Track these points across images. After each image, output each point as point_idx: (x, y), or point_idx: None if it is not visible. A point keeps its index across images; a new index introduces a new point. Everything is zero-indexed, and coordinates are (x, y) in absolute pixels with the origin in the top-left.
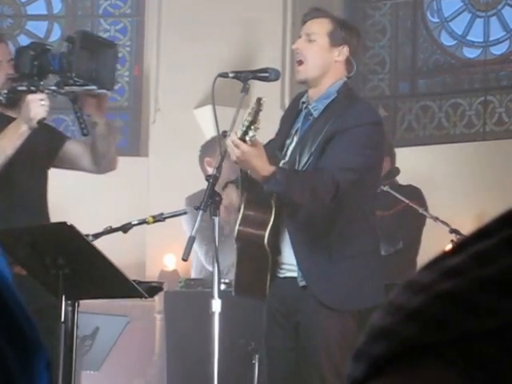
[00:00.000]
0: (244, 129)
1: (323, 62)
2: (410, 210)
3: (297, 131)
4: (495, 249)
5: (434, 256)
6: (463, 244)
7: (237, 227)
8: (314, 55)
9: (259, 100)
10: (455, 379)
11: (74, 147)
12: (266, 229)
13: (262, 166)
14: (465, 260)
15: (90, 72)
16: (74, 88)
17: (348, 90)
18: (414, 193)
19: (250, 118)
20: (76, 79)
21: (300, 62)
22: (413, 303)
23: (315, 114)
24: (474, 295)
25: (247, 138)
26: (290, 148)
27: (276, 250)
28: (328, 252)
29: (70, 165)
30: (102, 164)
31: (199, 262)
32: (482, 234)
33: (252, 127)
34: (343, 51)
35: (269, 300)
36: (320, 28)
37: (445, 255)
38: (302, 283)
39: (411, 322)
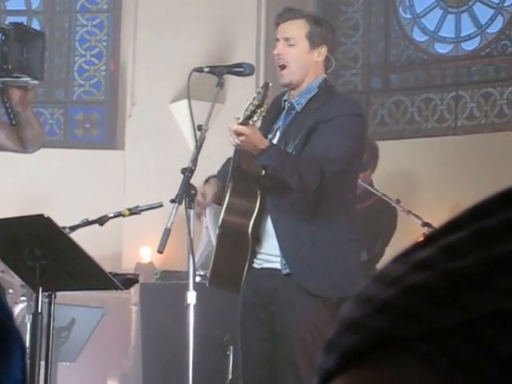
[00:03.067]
0: (248, 113)
1: (305, 64)
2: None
3: (279, 127)
4: (465, 242)
5: (404, 248)
6: (434, 236)
7: (222, 215)
8: (295, 59)
9: (267, 85)
10: (426, 372)
11: None
12: (250, 218)
13: (261, 141)
14: (435, 253)
15: (21, 63)
16: (7, 79)
17: (328, 86)
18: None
19: (256, 102)
20: (12, 70)
21: (282, 67)
22: (383, 296)
23: (298, 108)
24: (443, 288)
25: (250, 123)
26: (273, 142)
27: (255, 240)
28: (312, 239)
29: None
30: (29, 146)
31: (208, 246)
32: (452, 226)
33: (258, 111)
34: (322, 51)
35: (244, 291)
36: (298, 31)
37: (415, 247)
38: (286, 271)
39: (382, 314)
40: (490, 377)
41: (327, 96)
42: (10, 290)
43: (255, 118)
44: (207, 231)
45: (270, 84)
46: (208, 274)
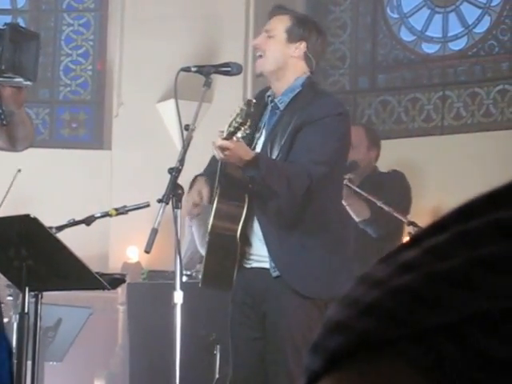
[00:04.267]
0: (232, 129)
1: (279, 56)
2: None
3: (265, 125)
4: (450, 243)
5: (390, 249)
6: (419, 237)
7: (211, 221)
8: (271, 49)
9: (250, 102)
10: (412, 374)
11: None
12: (239, 222)
13: (246, 153)
14: (420, 254)
15: (14, 63)
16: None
17: (312, 84)
18: (390, 180)
19: (240, 120)
20: (4, 71)
21: (259, 57)
22: (368, 298)
23: (281, 106)
24: (428, 290)
25: (234, 139)
26: (260, 142)
27: (245, 241)
28: (300, 241)
29: None
30: (19, 145)
31: (191, 245)
32: (437, 227)
33: (242, 128)
34: (300, 47)
35: (234, 290)
36: (279, 24)
37: (401, 249)
38: (276, 274)
39: (367, 316)
40: (475, 378)
41: (311, 94)
42: None
43: (239, 135)
44: (190, 230)
45: (254, 101)
46: (201, 277)
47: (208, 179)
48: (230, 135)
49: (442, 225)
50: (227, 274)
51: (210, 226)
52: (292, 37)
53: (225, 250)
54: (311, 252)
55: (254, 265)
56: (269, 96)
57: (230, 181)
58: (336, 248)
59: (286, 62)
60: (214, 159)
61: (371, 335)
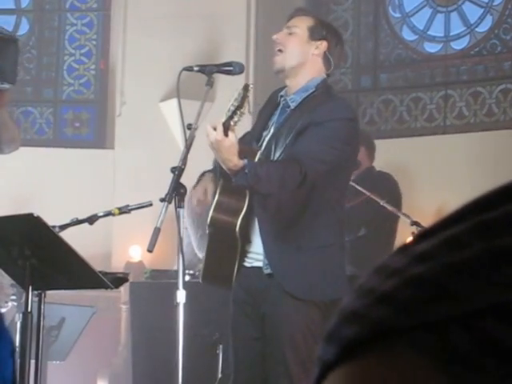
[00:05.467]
0: (229, 114)
1: (301, 52)
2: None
3: (274, 123)
4: (467, 234)
5: (406, 241)
6: (435, 229)
7: (210, 213)
8: (292, 45)
9: (247, 86)
10: (425, 364)
11: None
12: (238, 216)
13: (231, 160)
14: (436, 245)
15: None
16: None
17: (327, 87)
18: (383, 183)
19: (236, 104)
20: None
21: (279, 51)
22: (384, 287)
23: (292, 105)
24: (444, 280)
25: (231, 123)
26: (267, 139)
27: (245, 239)
28: (295, 242)
29: None
30: (5, 148)
31: (188, 249)
32: (453, 218)
33: (238, 112)
34: (321, 46)
35: (235, 289)
36: (301, 22)
37: (417, 240)
38: (267, 271)
39: (382, 305)
40: (490, 368)
41: (323, 97)
42: None
43: (236, 119)
44: (186, 232)
45: (251, 85)
46: (201, 271)
47: (215, 176)
48: (228, 119)
49: (458, 216)
50: (228, 271)
51: (209, 218)
52: (314, 35)
53: (225, 245)
54: (305, 253)
55: (255, 264)
56: (281, 96)
57: None
58: (330, 251)
59: (306, 59)
60: None
61: (386, 324)
